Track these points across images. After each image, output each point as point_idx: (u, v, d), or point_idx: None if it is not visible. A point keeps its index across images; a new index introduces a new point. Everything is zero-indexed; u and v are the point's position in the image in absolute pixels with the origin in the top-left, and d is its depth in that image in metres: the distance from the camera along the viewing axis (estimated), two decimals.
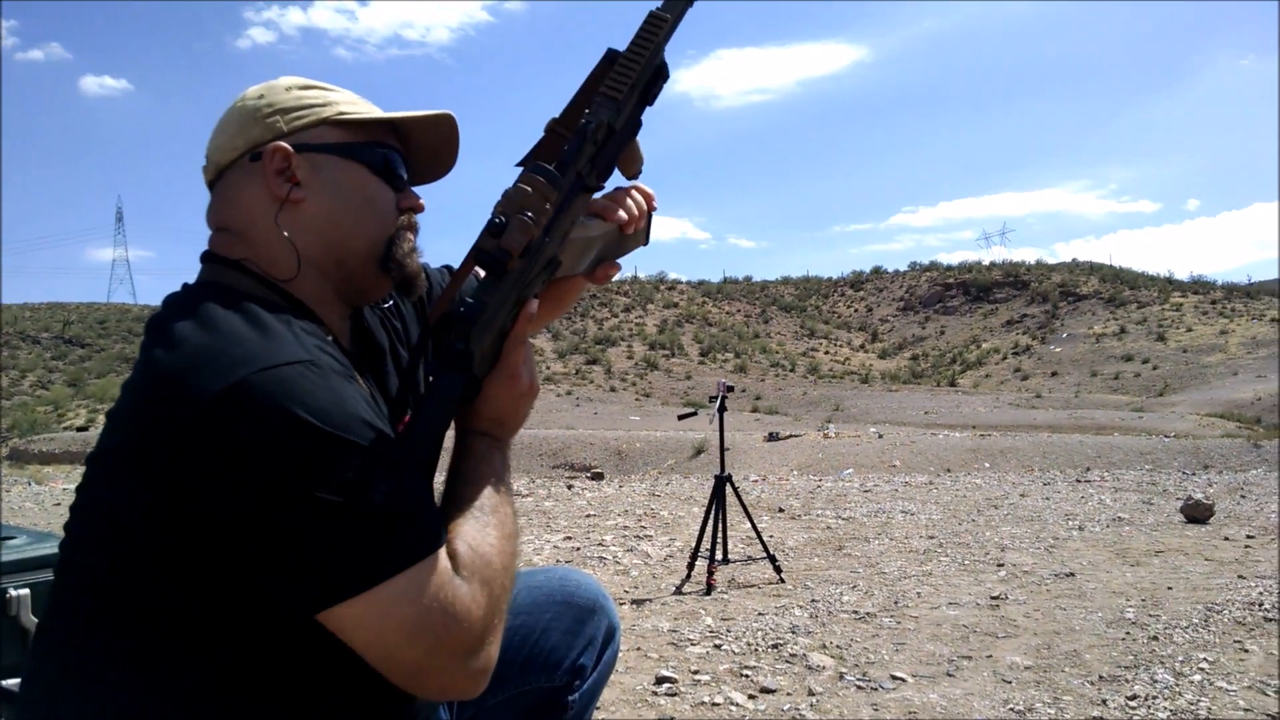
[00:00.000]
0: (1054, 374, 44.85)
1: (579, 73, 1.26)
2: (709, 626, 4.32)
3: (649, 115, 1.27)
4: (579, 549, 6.60)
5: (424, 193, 1.36)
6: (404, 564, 0.98)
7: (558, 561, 6.17)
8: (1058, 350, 48.28)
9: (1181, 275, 58.07)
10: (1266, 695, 3.26)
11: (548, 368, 43.91)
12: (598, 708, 3.29)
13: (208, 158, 1.27)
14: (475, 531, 1.08)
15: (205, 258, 1.25)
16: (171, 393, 1.00)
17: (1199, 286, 55.00)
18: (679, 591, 5.13)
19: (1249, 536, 6.76)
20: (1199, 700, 3.21)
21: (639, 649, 3.95)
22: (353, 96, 1.30)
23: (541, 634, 1.54)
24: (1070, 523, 7.64)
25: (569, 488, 11.22)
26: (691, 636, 4.14)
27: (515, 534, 1.14)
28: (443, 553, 1.02)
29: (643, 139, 1.28)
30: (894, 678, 3.51)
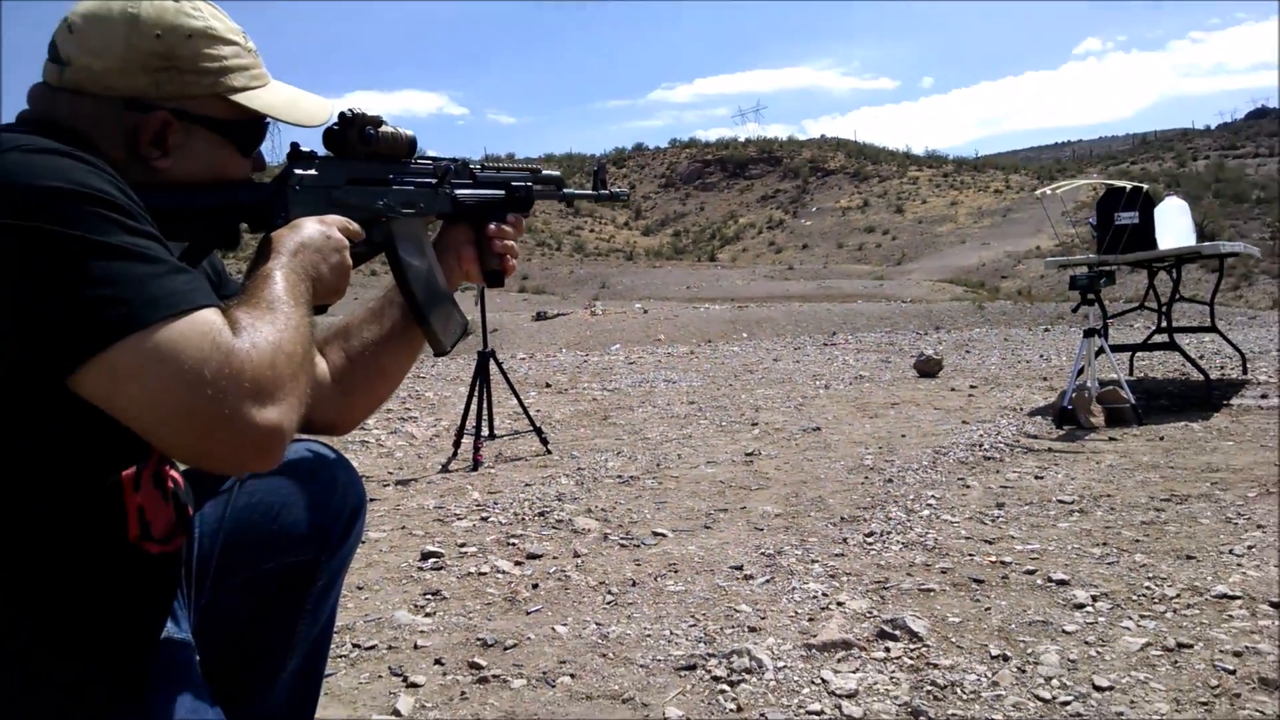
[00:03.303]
0: (805, 246, 47.01)
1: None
2: (476, 501, 4.32)
3: None
4: None
5: None
6: (174, 307, 0.89)
7: None
8: (808, 224, 50.52)
9: (918, 150, 61.60)
10: (984, 524, 3.61)
11: None
12: (360, 587, 3.23)
13: (69, 58, 1.11)
14: (254, 311, 1.01)
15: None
16: None
17: (933, 161, 58.54)
18: (445, 469, 5.09)
19: (972, 386, 7.44)
20: (927, 532, 3.52)
21: (404, 528, 3.90)
22: (238, 42, 1.21)
23: (282, 509, 1.47)
24: (817, 382, 8.13)
25: None
26: (458, 511, 4.13)
27: (299, 327, 1.04)
28: (216, 313, 0.94)
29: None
30: (655, 534, 3.64)
